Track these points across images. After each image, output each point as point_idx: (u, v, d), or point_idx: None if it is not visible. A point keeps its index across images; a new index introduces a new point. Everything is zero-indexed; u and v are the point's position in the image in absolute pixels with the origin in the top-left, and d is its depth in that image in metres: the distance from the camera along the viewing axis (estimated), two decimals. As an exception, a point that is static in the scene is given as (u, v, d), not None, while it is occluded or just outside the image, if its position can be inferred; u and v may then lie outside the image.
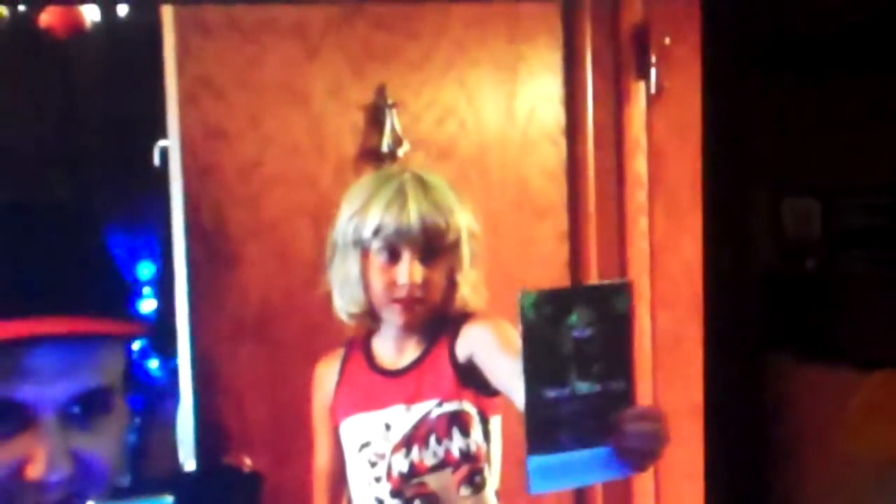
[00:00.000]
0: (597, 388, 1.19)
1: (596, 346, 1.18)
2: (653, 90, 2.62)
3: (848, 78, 3.93)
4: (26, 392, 1.01)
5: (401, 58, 2.51)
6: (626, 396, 1.21)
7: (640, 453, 1.25)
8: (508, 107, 2.59)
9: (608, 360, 1.19)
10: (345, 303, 2.01)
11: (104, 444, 1.07)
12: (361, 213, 1.94)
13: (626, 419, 1.22)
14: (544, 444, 1.21)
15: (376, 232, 1.91)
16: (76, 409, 1.04)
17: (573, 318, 1.17)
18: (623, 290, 1.21)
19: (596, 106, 2.62)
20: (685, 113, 2.68)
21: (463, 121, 2.55)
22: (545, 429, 1.20)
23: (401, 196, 1.92)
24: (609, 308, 1.19)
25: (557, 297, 1.19)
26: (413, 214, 1.90)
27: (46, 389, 1.01)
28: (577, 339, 1.17)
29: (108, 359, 1.07)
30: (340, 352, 2.08)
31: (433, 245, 1.93)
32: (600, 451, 1.22)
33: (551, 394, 1.18)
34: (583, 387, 1.19)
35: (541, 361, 1.18)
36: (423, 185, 1.94)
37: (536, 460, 1.21)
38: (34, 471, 1.01)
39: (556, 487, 1.24)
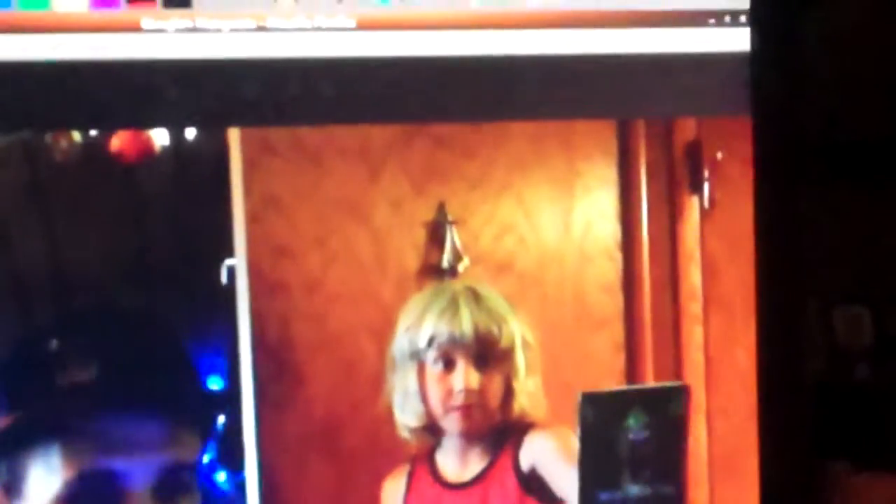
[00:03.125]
0: (648, 491, 1.20)
1: (650, 449, 1.20)
2: (706, 204, 2.67)
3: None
4: (121, 464, 1.03)
5: (460, 175, 2.57)
6: (677, 500, 1.22)
7: None
8: (565, 222, 2.64)
9: (661, 463, 1.21)
10: (405, 417, 2.05)
11: None
12: (416, 326, 1.99)
13: None
14: None
15: (430, 342, 1.96)
16: (166, 484, 1.06)
17: (630, 420, 1.19)
18: (678, 394, 1.23)
19: (651, 221, 2.68)
20: (738, 225, 2.71)
21: (521, 236, 2.60)
22: None
23: (453, 305, 1.97)
24: (664, 411, 1.21)
25: (616, 400, 1.21)
26: (466, 322, 1.95)
27: (140, 461, 1.04)
28: (633, 442, 1.19)
29: (191, 444, 1.11)
30: (406, 468, 2.11)
31: (487, 352, 1.98)
32: None
33: (604, 497, 1.20)
34: (634, 489, 1.20)
35: (597, 464, 1.20)
36: (475, 295, 2.00)
37: None
38: None
39: None
